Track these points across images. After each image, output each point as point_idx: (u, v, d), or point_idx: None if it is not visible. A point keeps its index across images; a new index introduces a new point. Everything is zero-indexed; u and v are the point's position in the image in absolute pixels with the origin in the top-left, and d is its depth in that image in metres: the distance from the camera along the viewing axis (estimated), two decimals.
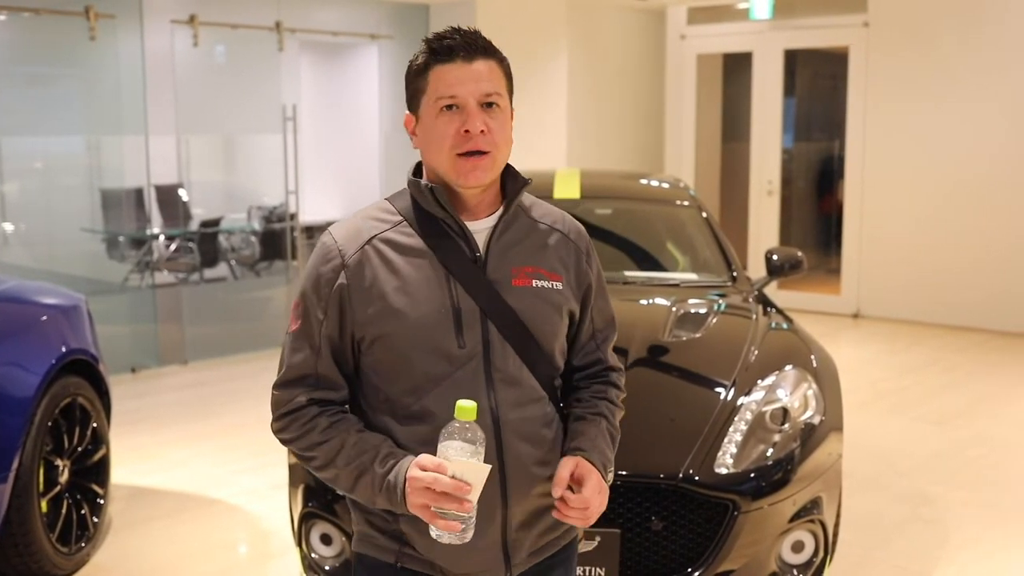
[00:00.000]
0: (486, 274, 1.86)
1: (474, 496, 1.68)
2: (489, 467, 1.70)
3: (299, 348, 1.85)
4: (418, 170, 1.94)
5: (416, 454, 1.77)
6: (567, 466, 1.86)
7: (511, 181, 1.92)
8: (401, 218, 1.89)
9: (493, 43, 1.89)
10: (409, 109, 1.91)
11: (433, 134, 1.83)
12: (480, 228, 1.89)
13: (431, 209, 1.86)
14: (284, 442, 1.88)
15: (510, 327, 1.86)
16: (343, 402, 1.88)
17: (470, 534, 1.71)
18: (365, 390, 1.89)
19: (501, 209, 1.91)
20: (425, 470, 1.69)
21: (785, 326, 4.28)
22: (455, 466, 1.67)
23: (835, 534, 3.71)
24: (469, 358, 1.83)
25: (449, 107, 1.81)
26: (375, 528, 1.88)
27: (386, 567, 1.87)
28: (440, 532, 1.71)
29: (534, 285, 1.89)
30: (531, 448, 1.88)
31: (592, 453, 1.90)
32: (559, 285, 1.93)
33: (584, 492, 1.83)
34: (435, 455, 1.71)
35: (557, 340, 1.94)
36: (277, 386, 1.87)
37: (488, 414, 1.83)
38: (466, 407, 1.69)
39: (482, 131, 1.80)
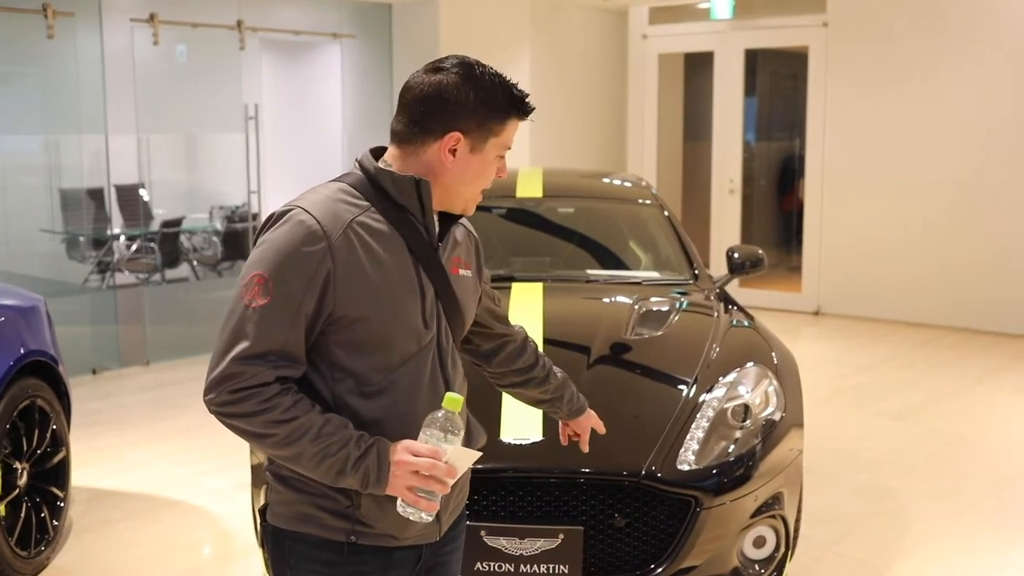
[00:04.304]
0: (441, 262, 2.03)
1: (456, 480, 1.84)
2: (479, 454, 1.89)
3: (269, 324, 1.85)
4: (374, 156, 2.04)
5: (375, 426, 1.91)
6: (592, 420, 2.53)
7: None
8: (368, 203, 1.96)
9: None
10: (463, 132, 1.96)
11: (483, 170, 2.02)
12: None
13: (405, 200, 1.97)
14: (231, 415, 1.85)
15: (453, 312, 2.05)
16: (298, 379, 1.92)
17: (436, 512, 1.84)
18: (322, 365, 1.94)
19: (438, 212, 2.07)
20: (418, 455, 1.81)
21: (746, 323, 4.32)
22: (451, 452, 1.81)
23: (796, 529, 3.75)
24: (429, 339, 2.00)
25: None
26: (322, 509, 1.95)
27: (335, 545, 1.96)
28: (410, 510, 1.82)
29: (461, 274, 2.11)
30: (464, 421, 2.07)
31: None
32: (471, 273, 2.16)
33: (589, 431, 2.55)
34: (407, 437, 1.87)
35: (469, 327, 2.18)
36: (238, 359, 1.83)
37: (444, 390, 2.00)
38: (454, 399, 1.83)
39: None
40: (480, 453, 1.89)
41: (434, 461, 1.80)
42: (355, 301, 1.89)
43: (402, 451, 1.83)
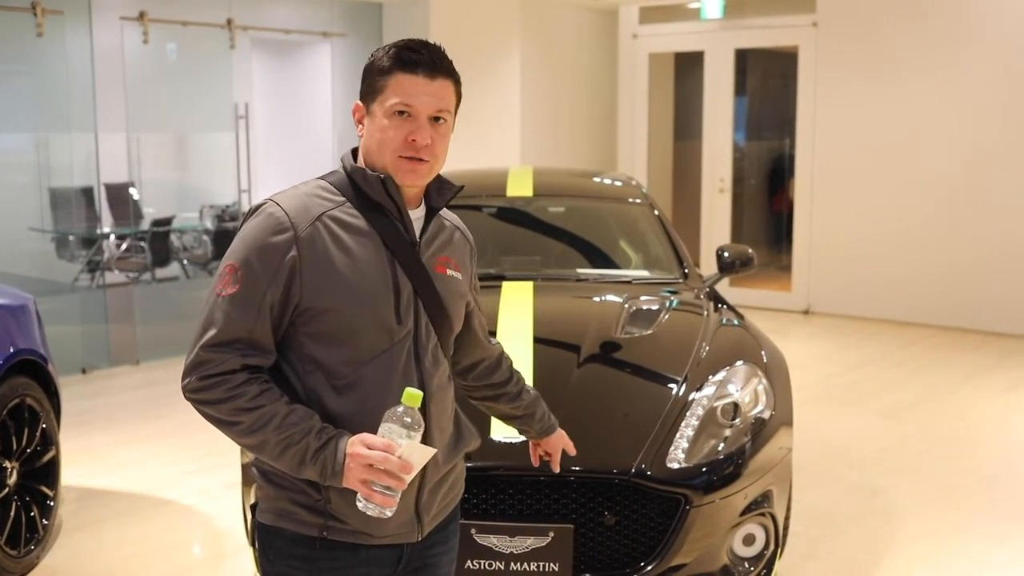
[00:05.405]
0: (421, 259, 2.02)
1: (412, 476, 1.81)
2: (435, 451, 1.87)
3: (236, 312, 1.89)
4: (354, 154, 2.06)
5: (345, 421, 1.91)
6: (563, 439, 2.47)
7: (441, 185, 2.08)
8: (344, 198, 1.98)
9: (453, 63, 2.01)
10: (361, 100, 2.00)
11: (382, 134, 1.95)
12: (414, 217, 2.04)
13: (378, 198, 1.97)
14: (201, 402, 1.89)
15: (435, 310, 2.03)
16: (268, 368, 1.93)
17: (395, 508, 1.82)
18: (292, 357, 1.96)
19: (425, 206, 2.07)
20: (372, 448, 1.79)
21: (736, 322, 4.33)
22: (405, 448, 1.78)
23: (786, 527, 3.76)
24: (403, 335, 1.98)
25: (402, 113, 1.94)
26: (297, 504, 1.96)
27: (308, 540, 1.96)
28: (367, 504, 1.81)
29: (448, 274, 2.09)
30: (447, 422, 2.09)
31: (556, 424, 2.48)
32: (461, 276, 2.14)
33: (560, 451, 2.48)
34: (374, 433, 1.83)
35: (459, 327, 2.16)
36: (207, 347, 1.88)
37: (418, 388, 1.98)
38: (413, 394, 1.81)
39: (427, 144, 1.95)
40: (435, 450, 1.87)
41: (386, 455, 1.77)
42: (322, 292, 1.90)
43: (357, 443, 1.82)
